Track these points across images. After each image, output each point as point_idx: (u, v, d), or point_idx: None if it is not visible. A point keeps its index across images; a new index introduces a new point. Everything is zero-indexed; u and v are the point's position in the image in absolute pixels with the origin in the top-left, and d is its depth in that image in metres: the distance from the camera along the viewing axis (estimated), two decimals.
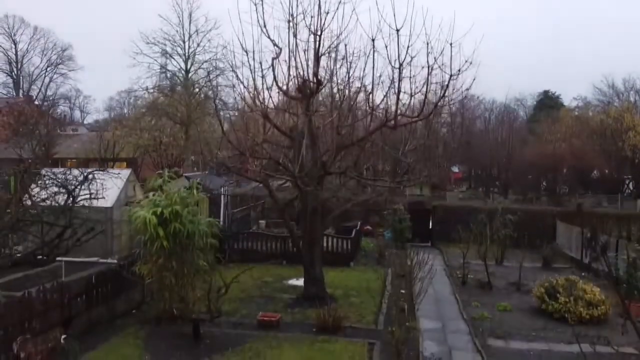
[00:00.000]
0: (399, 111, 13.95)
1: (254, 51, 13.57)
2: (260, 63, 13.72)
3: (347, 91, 13.91)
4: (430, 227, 26.98)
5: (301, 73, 13.65)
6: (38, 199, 11.62)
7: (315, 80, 13.45)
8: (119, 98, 47.35)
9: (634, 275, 14.62)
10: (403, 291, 15.84)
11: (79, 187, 11.68)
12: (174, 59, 40.48)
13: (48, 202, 11.97)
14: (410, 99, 13.99)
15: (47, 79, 54.05)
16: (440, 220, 26.56)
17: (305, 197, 14.20)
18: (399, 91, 13.48)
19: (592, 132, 41.80)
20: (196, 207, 12.65)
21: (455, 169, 55.32)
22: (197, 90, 38.38)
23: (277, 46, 13.84)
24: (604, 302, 13.21)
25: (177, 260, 12.04)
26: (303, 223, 14.78)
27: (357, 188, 21.60)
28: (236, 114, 15.92)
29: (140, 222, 11.53)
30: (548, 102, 60.45)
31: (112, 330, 12.16)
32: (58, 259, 15.96)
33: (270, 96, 14.00)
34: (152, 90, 39.77)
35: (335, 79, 13.95)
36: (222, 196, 22.77)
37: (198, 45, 40.03)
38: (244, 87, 14.11)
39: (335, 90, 13.88)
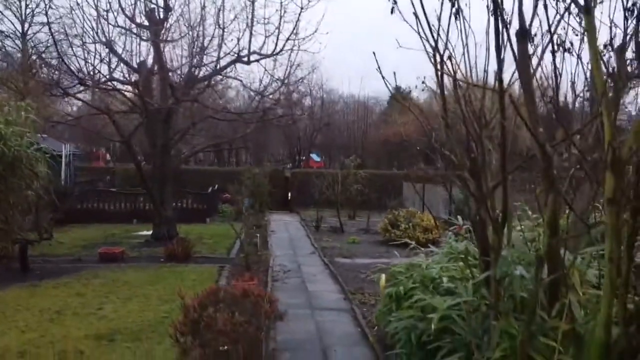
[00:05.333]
0: (252, 49, 14.12)
1: None
2: None
3: (201, 23, 13.54)
4: (289, 195, 27.46)
5: None
6: None
7: (164, 6, 12.92)
8: None
9: (462, 209, 16.44)
10: (258, 235, 15.92)
11: None
12: (6, 18, 35.44)
13: None
14: (265, 40, 14.22)
15: None
16: (298, 188, 27.16)
17: (154, 130, 13.50)
18: (252, 26, 13.66)
19: (434, 116, 46.25)
20: (26, 130, 11.33)
21: (317, 158, 57.11)
22: (35, 56, 34.37)
23: None
24: (437, 227, 14.61)
25: (1, 185, 10.67)
26: (152, 160, 14.06)
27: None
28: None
29: None
30: (400, 97, 65.42)
31: None
32: None
33: (117, 23, 13.04)
34: None
35: (187, 8, 13.53)
36: (64, 156, 20.79)
37: (37, 5, 35.53)
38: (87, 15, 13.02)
39: (187, 18, 13.44)
